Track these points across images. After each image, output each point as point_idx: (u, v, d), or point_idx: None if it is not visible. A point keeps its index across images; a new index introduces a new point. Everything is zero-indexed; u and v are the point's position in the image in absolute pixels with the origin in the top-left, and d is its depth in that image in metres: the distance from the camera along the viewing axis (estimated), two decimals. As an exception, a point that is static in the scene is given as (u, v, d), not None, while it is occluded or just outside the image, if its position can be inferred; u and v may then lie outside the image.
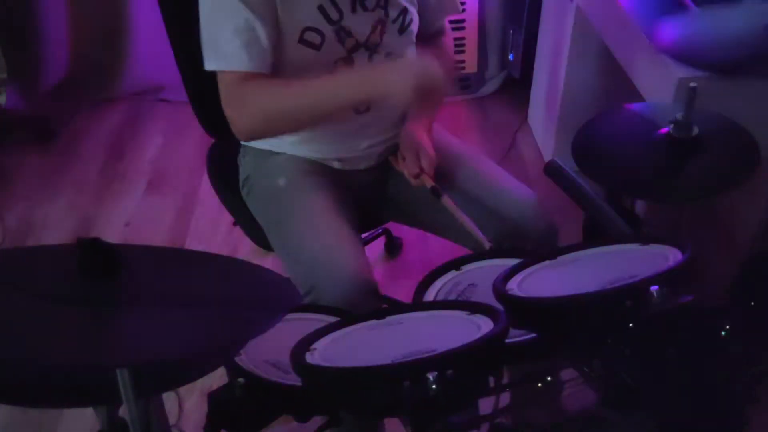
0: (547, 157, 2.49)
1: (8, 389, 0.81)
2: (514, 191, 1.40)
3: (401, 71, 1.21)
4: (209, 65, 1.28)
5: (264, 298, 0.89)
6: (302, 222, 1.34)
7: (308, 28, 1.28)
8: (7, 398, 0.87)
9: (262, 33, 1.24)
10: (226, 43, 1.24)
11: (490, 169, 1.47)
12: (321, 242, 1.29)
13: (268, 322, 0.82)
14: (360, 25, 1.31)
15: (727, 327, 0.97)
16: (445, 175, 1.44)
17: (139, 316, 0.81)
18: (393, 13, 1.35)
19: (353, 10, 1.30)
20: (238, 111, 1.28)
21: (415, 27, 1.40)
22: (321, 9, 1.28)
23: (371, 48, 1.34)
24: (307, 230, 1.32)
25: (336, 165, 1.47)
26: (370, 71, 1.29)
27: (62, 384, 0.78)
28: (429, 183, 1.37)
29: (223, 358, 0.97)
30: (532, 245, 1.33)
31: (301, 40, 1.29)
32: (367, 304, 1.22)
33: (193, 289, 0.89)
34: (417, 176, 1.37)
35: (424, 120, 1.44)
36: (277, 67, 1.31)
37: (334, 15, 1.29)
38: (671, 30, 1.27)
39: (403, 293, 1.97)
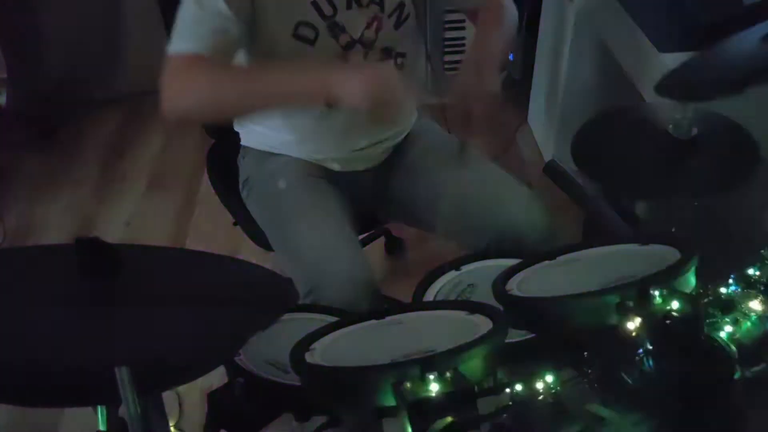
0: (547, 157, 2.49)
1: (8, 389, 0.80)
2: (515, 192, 1.40)
3: (359, 77, 1.14)
4: (171, 48, 1.21)
5: (264, 297, 0.89)
6: (302, 224, 1.34)
7: (302, 23, 1.28)
8: (7, 398, 0.87)
9: (233, 26, 1.20)
10: (193, 27, 1.21)
11: (491, 169, 1.47)
12: (321, 244, 1.29)
13: (268, 322, 0.82)
14: (354, 21, 1.31)
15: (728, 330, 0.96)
16: (446, 175, 1.44)
17: (138, 315, 0.81)
18: (389, 9, 1.34)
19: (348, 6, 1.30)
20: (175, 89, 1.19)
21: (412, 21, 1.40)
22: (314, 4, 1.28)
23: (367, 44, 1.34)
24: (307, 232, 1.32)
25: (336, 167, 1.47)
26: (327, 70, 1.20)
27: (62, 384, 0.78)
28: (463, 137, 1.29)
29: (222, 357, 0.97)
30: (532, 247, 1.33)
31: (295, 35, 1.29)
32: (368, 305, 1.22)
33: (193, 288, 0.89)
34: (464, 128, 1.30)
35: (481, 60, 1.30)
36: (272, 61, 1.31)
37: (328, 10, 1.29)
38: (669, 77, 1.27)
39: (403, 293, 1.97)
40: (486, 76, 1.26)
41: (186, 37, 1.21)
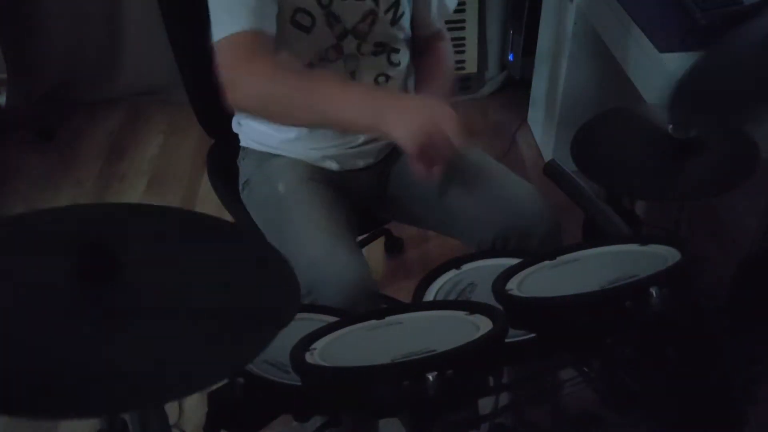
0: (547, 158, 2.49)
1: (7, 399, 0.80)
2: (519, 187, 1.40)
3: (412, 115, 1.09)
4: (219, 33, 1.21)
5: (265, 310, 0.88)
6: (300, 226, 1.34)
7: (300, 9, 1.29)
8: (6, 409, 0.86)
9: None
10: (236, 7, 1.21)
11: (493, 165, 1.47)
12: (319, 245, 1.29)
13: (268, 338, 0.81)
14: (349, 12, 1.33)
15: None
16: (449, 172, 1.44)
17: (139, 322, 0.80)
18: (384, 5, 1.36)
19: None
20: (240, 78, 1.21)
21: (407, 20, 1.41)
22: None
23: (359, 36, 1.35)
24: (305, 234, 1.32)
25: (334, 166, 1.47)
26: (383, 102, 1.16)
27: (61, 393, 0.78)
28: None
29: (227, 371, 0.96)
30: (537, 242, 1.33)
31: (293, 21, 1.30)
32: (366, 306, 1.22)
33: (195, 299, 0.89)
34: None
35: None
36: None
37: None
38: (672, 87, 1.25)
39: (403, 293, 1.97)
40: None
41: (233, 16, 1.20)
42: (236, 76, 1.21)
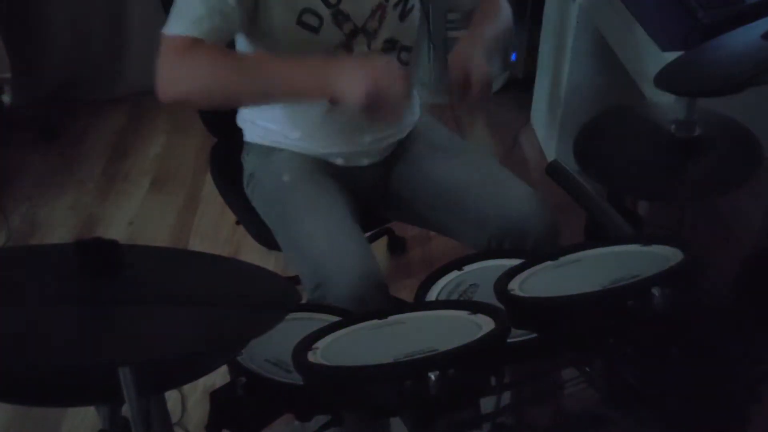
0: (550, 157, 2.49)
1: (10, 389, 0.81)
2: (516, 189, 1.40)
3: (358, 73, 1.12)
4: (169, 29, 1.19)
5: (264, 299, 0.89)
6: (308, 218, 1.34)
7: (306, 10, 1.28)
8: (9, 398, 0.87)
9: (233, 12, 1.20)
10: (193, 10, 1.19)
11: (493, 166, 1.47)
12: (328, 238, 1.29)
13: (268, 324, 0.82)
14: (358, 9, 1.31)
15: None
16: (447, 171, 1.44)
17: (140, 315, 0.81)
18: None
19: None
20: (174, 71, 1.18)
21: (417, 14, 1.40)
22: None
23: (370, 34, 1.34)
24: (313, 226, 1.32)
25: (339, 162, 1.47)
26: (325, 65, 1.18)
27: (64, 383, 0.79)
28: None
29: (224, 358, 0.97)
30: (534, 243, 1.33)
31: (300, 22, 1.29)
32: (376, 299, 1.22)
33: (195, 289, 0.89)
34: (464, 94, 1.30)
35: (477, 38, 1.35)
36: (276, 49, 1.31)
37: None
38: (668, 69, 1.27)
39: (405, 293, 1.97)
40: (479, 52, 1.30)
41: (185, 17, 1.19)
42: (174, 68, 1.18)
